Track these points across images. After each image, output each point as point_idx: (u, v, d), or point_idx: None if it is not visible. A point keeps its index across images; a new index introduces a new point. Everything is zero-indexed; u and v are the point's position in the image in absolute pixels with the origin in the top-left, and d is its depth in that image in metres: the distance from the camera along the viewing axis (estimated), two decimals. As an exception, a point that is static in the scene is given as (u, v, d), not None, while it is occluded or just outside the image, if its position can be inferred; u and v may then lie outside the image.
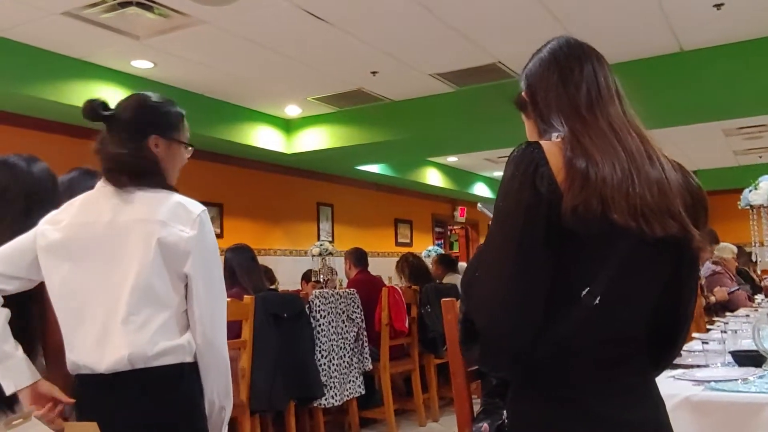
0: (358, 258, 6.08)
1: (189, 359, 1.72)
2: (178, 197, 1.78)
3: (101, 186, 1.79)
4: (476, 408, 1.96)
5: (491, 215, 1.38)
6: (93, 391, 1.68)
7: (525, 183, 1.22)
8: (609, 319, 1.26)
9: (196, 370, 1.75)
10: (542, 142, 1.27)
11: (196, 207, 1.78)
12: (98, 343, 1.66)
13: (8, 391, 1.66)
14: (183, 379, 1.71)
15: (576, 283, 1.23)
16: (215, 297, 1.77)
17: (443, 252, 8.17)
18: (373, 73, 6.09)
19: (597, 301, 1.22)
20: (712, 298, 5.30)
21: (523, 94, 1.43)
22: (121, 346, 1.64)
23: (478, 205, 1.58)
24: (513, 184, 1.24)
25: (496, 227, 1.27)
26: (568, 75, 1.35)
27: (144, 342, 1.65)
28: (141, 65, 5.64)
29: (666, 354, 1.44)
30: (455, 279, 6.63)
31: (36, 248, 1.74)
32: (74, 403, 1.71)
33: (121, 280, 1.68)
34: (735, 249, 5.94)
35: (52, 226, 1.76)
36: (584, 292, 1.22)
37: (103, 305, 1.68)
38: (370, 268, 6.10)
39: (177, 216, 1.73)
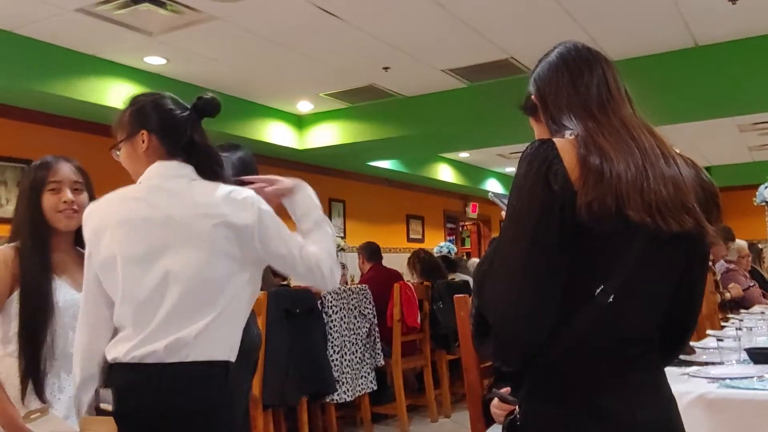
0: (371, 252, 6.06)
1: (233, 358, 1.76)
2: (225, 186, 1.80)
3: (147, 180, 1.79)
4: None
5: (503, 205, 1.38)
6: (132, 380, 1.68)
7: (538, 181, 1.22)
8: (622, 318, 1.25)
9: (236, 372, 1.78)
10: (555, 140, 1.27)
11: (246, 191, 1.80)
12: (158, 336, 1.66)
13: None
14: (226, 378, 1.73)
15: (590, 281, 1.23)
16: (289, 236, 1.81)
17: (448, 251, 8.10)
18: (385, 68, 6.08)
19: (611, 300, 1.22)
20: (727, 295, 5.26)
21: (532, 98, 1.43)
22: (173, 334, 1.66)
23: (489, 193, 1.57)
24: (526, 182, 1.24)
25: (510, 225, 1.26)
26: (579, 77, 1.35)
27: (198, 329, 1.67)
28: (153, 61, 5.66)
29: (674, 349, 1.44)
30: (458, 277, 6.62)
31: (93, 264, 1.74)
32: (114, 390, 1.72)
33: (180, 274, 1.69)
34: (745, 244, 5.89)
35: (96, 226, 1.75)
36: (598, 291, 1.22)
37: (163, 301, 1.68)
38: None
39: (233, 204, 1.74)
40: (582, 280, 1.23)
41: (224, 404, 1.74)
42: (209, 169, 1.83)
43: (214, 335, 1.69)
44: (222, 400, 1.73)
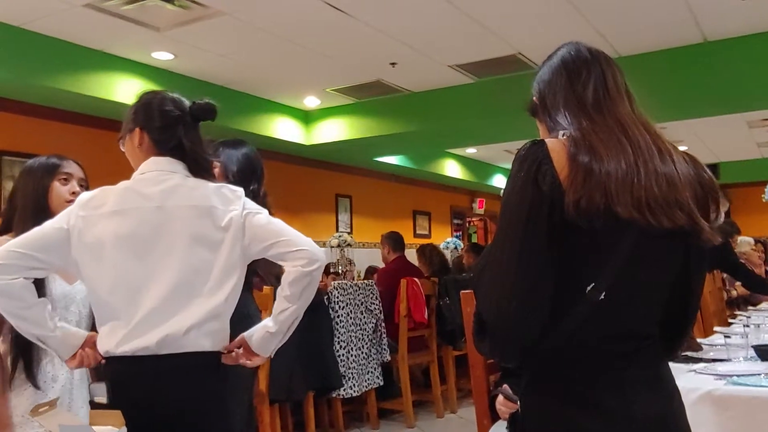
0: (395, 242, 6.05)
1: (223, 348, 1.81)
2: (215, 183, 1.87)
3: (141, 173, 1.84)
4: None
5: None
6: (125, 372, 1.71)
7: (527, 181, 1.24)
8: (615, 314, 1.27)
9: (238, 367, 1.85)
10: (547, 140, 1.30)
11: (237, 188, 1.88)
12: (148, 327, 1.69)
13: (65, 358, 1.76)
14: (218, 368, 1.79)
15: (582, 278, 1.25)
16: (279, 222, 1.85)
17: (468, 243, 8.15)
18: (393, 64, 6.07)
19: (602, 297, 1.23)
20: (734, 292, 5.25)
21: (534, 99, 1.46)
22: (168, 326, 1.70)
23: (502, 191, 1.60)
24: (516, 183, 1.27)
25: (501, 224, 1.29)
26: (576, 77, 1.38)
27: (187, 323, 1.71)
28: (161, 57, 5.66)
29: (675, 343, 1.45)
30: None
31: (71, 238, 1.74)
32: (108, 384, 1.76)
33: (171, 265, 1.73)
34: (752, 241, 5.87)
35: (90, 212, 1.76)
36: (589, 288, 1.24)
37: (153, 290, 1.72)
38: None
39: (223, 197, 1.82)
40: (574, 278, 1.24)
41: (217, 395, 1.78)
42: (196, 173, 1.88)
43: (204, 327, 1.73)
44: (214, 391, 1.78)
